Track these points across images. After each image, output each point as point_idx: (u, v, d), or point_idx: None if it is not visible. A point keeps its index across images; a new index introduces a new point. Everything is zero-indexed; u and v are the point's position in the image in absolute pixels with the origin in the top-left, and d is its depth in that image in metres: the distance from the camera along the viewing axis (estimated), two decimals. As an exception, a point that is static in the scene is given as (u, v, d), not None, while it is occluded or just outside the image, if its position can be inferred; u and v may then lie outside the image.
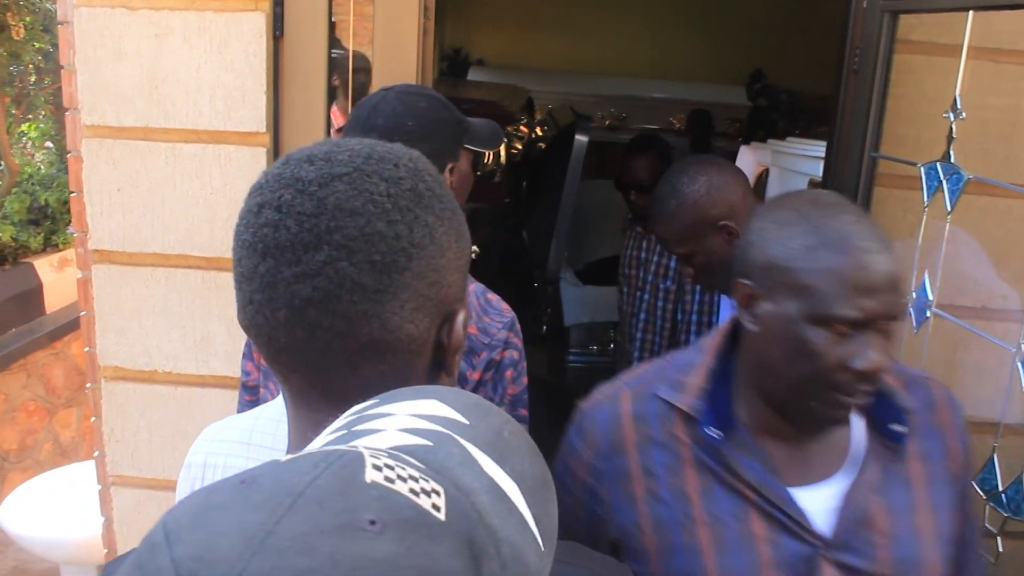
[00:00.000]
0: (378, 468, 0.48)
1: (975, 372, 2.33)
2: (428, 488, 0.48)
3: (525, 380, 1.63)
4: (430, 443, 0.53)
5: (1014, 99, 2.15)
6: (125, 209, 2.15)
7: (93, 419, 2.32)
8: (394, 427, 0.55)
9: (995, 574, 1.73)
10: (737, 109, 7.45)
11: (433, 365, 0.78)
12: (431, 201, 0.76)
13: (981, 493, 1.78)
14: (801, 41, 7.91)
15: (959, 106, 1.82)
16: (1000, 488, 1.74)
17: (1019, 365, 1.66)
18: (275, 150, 2.15)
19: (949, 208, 1.83)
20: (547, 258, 4.10)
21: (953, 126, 1.84)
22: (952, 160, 1.84)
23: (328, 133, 2.19)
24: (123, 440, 2.29)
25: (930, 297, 1.89)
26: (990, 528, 1.76)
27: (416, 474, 0.49)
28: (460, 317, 0.78)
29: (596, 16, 8.43)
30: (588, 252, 4.57)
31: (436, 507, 0.47)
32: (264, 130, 2.12)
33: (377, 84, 2.12)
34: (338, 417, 0.60)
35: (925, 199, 1.90)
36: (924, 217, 1.92)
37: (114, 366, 2.26)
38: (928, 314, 1.89)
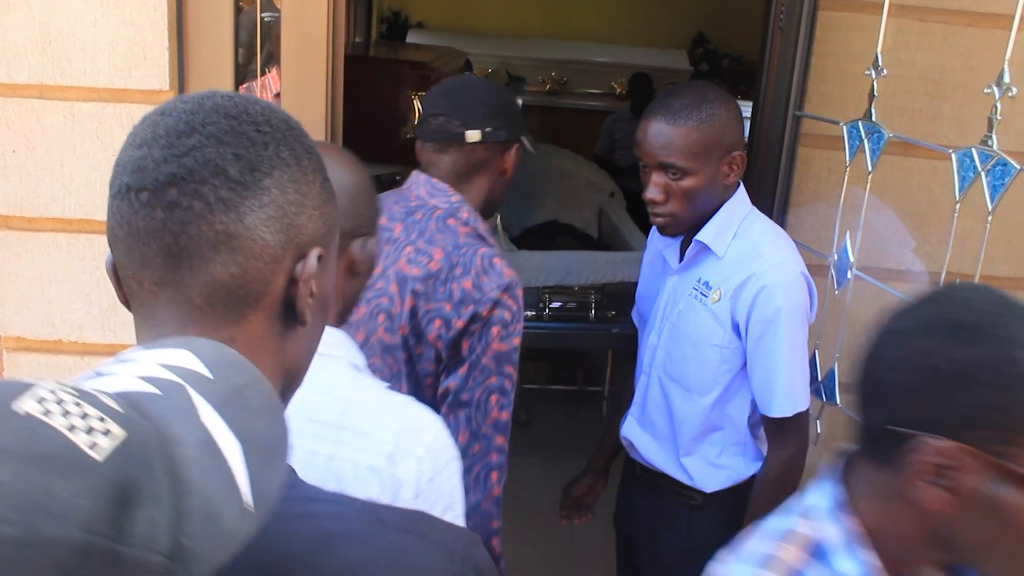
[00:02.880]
0: (39, 400, 0.49)
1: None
2: (101, 428, 0.49)
3: (516, 341, 1.67)
4: (158, 392, 0.55)
5: (939, 58, 2.12)
6: (21, 172, 2.04)
7: (-5, 392, 2.22)
8: (133, 373, 0.56)
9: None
10: (679, 74, 7.40)
11: (284, 306, 0.78)
12: (301, 137, 0.81)
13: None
14: (743, 5, 7.87)
15: (880, 63, 1.79)
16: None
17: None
18: (181, 109, 2.05)
19: (870, 168, 1.81)
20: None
21: (875, 84, 1.80)
22: (874, 119, 1.81)
23: (237, 89, 2.09)
24: (27, 414, 2.19)
25: (851, 258, 1.87)
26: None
27: (96, 414, 0.49)
28: (314, 254, 0.78)
29: (538, -21, 8.32)
30: (524, 218, 4.51)
31: (95, 446, 0.48)
32: (167, 88, 2.02)
33: (285, 43, 2.03)
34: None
35: (847, 158, 1.87)
36: (846, 177, 1.89)
37: (16, 336, 2.15)
38: (849, 276, 1.87)
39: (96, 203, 2.06)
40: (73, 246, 2.09)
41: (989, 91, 1.52)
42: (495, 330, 1.63)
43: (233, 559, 0.54)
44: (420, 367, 1.63)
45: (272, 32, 2.22)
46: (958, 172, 1.56)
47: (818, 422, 2.00)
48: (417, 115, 3.61)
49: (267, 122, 0.78)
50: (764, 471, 1.85)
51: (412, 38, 7.80)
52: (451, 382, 1.61)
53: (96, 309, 2.12)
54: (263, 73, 2.19)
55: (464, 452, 1.56)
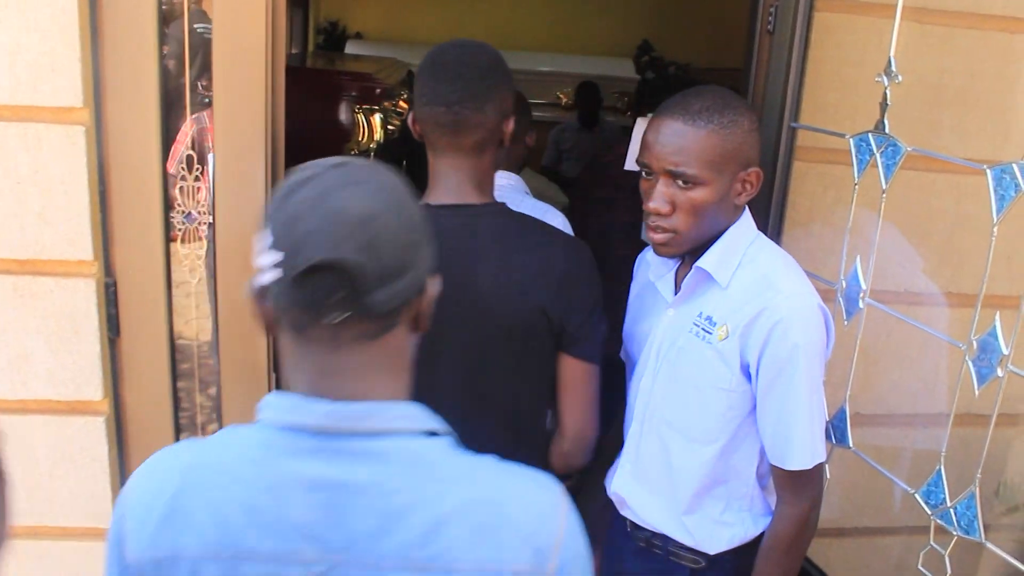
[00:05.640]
0: None
1: (897, 361, 2.15)
2: None
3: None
4: None
5: (940, 62, 1.95)
6: (-91, 203, 1.75)
7: None
8: None
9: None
10: (625, 82, 7.26)
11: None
12: None
13: (926, 507, 1.58)
14: (687, 12, 7.79)
15: (894, 69, 1.60)
16: (948, 503, 1.54)
17: (969, 364, 1.46)
18: (97, 129, 1.79)
19: (884, 185, 1.62)
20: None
21: (888, 91, 1.62)
22: (887, 130, 1.62)
23: (164, 105, 1.83)
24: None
25: (863, 285, 1.67)
26: (937, 548, 1.57)
27: None
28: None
29: (479, -13, 8.13)
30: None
31: None
32: (81, 104, 1.76)
33: (219, 57, 1.78)
34: None
35: (856, 175, 1.68)
36: (855, 195, 1.70)
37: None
38: (861, 305, 1.68)
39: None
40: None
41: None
42: None
43: None
44: None
45: (206, 43, 1.96)
46: (995, 190, 1.38)
47: (826, 467, 1.80)
48: (362, 130, 3.37)
49: None
50: (774, 529, 1.64)
51: (351, 49, 7.55)
52: None
53: (3, 359, 1.84)
54: (194, 88, 1.93)
55: None
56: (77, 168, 1.79)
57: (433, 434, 0.96)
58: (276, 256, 0.89)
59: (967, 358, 1.44)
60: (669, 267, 1.74)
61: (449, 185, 1.60)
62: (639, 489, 1.77)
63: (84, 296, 1.84)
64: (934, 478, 1.54)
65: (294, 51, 6.57)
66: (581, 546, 0.98)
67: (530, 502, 0.95)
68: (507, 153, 1.98)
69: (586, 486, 1.94)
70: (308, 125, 3.13)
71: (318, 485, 0.90)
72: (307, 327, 0.91)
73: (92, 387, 1.90)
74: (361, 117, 3.45)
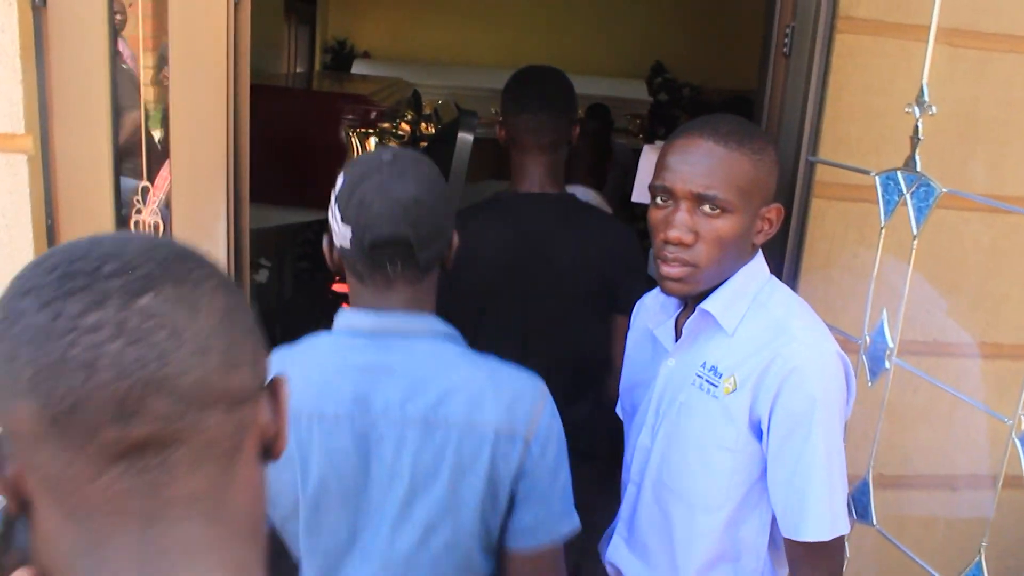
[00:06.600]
0: None
1: (924, 418, 1.95)
2: None
3: None
4: None
5: (974, 90, 1.76)
6: None
7: None
8: None
9: None
10: (637, 104, 7.07)
11: None
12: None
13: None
14: (704, 33, 7.62)
15: (926, 98, 1.42)
16: (989, 595, 1.33)
17: (1016, 441, 1.26)
18: (44, 158, 1.63)
19: (915, 230, 1.42)
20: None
21: (920, 124, 1.43)
22: (918, 168, 1.43)
23: (116, 133, 1.66)
24: None
25: (890, 343, 1.48)
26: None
27: None
28: None
29: (489, 7, 7.96)
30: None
31: None
32: (23, 131, 1.60)
33: (177, 73, 1.62)
34: None
35: (882, 217, 1.49)
36: (881, 239, 1.51)
37: None
38: (888, 365, 1.48)
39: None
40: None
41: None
42: None
43: None
44: None
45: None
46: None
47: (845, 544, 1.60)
48: (355, 154, 3.20)
49: None
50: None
51: (358, 68, 7.41)
52: None
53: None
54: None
55: None
56: (19, 201, 1.63)
57: (447, 335, 1.33)
58: (349, 230, 1.26)
59: (1013, 434, 1.25)
60: (669, 313, 1.56)
61: (533, 178, 2.03)
62: (635, 562, 1.58)
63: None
64: (973, 569, 1.33)
65: (299, 70, 6.44)
66: (557, 428, 1.32)
67: (515, 384, 1.31)
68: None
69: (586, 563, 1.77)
70: (294, 150, 2.97)
71: (367, 368, 1.28)
72: (370, 275, 1.30)
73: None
74: (355, 141, 3.28)
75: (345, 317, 1.34)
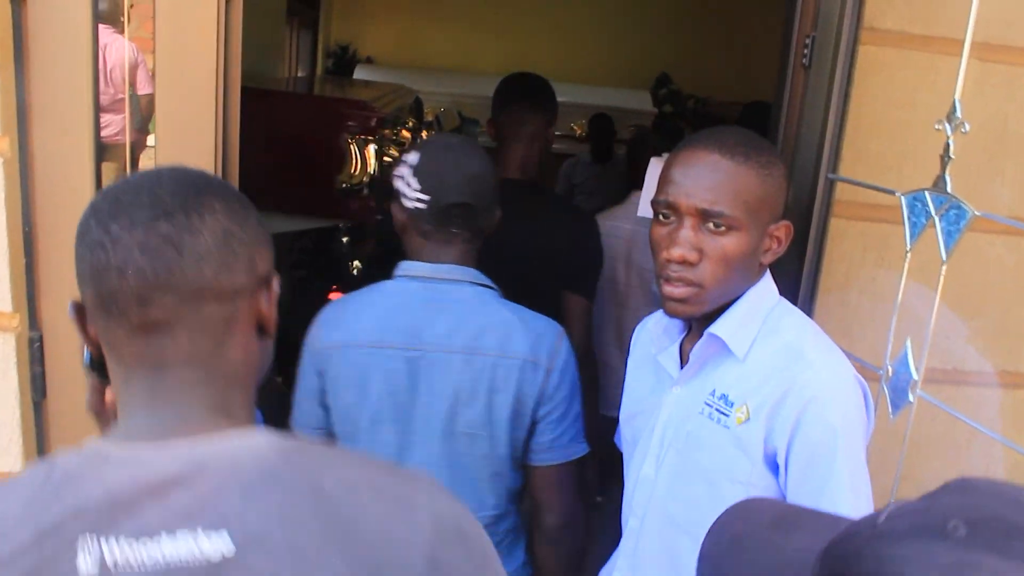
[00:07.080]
0: None
1: (943, 448, 1.86)
2: None
3: None
4: None
5: (1004, 107, 1.68)
6: None
7: None
8: None
9: None
10: (642, 115, 7.00)
11: None
12: None
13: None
14: (710, 44, 7.56)
15: (959, 115, 1.33)
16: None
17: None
18: (22, 159, 1.54)
19: (944, 255, 1.34)
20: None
21: (951, 141, 1.34)
22: (948, 188, 1.34)
23: (97, 135, 1.58)
24: None
25: (914, 375, 1.39)
26: None
27: None
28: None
29: (494, 14, 7.92)
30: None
31: None
32: (0, 132, 1.51)
33: (163, 72, 1.54)
34: None
35: (908, 241, 1.41)
36: (907, 264, 1.42)
37: None
38: (911, 398, 1.39)
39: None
40: None
41: None
42: None
43: None
44: None
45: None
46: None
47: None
48: (354, 161, 3.11)
49: None
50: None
51: (360, 74, 7.34)
52: None
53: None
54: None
55: None
56: (-6, 205, 1.55)
57: (487, 287, 1.62)
58: (427, 195, 1.57)
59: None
60: (673, 338, 1.47)
61: (504, 164, 2.34)
62: None
63: (2, 353, 1.60)
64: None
65: (301, 74, 6.36)
66: (573, 364, 1.63)
67: (540, 324, 1.61)
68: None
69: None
70: (288, 156, 2.89)
71: (420, 306, 1.56)
72: (436, 233, 1.60)
73: (11, 456, 1.65)
74: (354, 147, 3.19)
75: (405, 267, 1.62)
